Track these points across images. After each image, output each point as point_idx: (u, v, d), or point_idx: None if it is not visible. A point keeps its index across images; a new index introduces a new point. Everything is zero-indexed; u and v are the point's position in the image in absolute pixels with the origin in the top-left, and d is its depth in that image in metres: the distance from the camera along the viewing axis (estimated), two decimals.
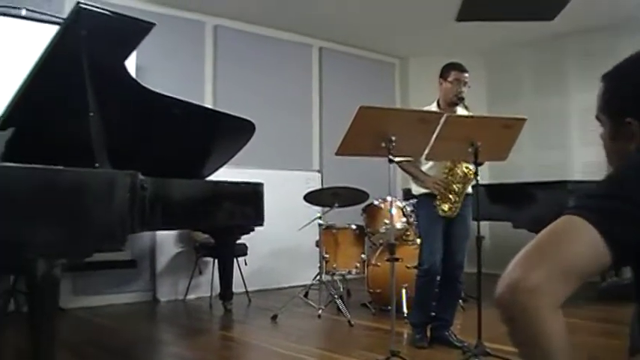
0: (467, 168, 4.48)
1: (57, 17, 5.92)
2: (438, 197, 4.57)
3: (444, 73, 4.69)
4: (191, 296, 7.15)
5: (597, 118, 1.56)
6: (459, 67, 4.65)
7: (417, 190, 4.79)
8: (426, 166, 4.67)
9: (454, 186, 4.54)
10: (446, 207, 4.56)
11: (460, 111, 4.62)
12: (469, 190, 4.61)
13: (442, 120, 3.93)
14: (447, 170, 4.56)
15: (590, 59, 8.21)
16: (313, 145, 8.98)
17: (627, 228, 1.22)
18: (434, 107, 4.71)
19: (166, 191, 4.52)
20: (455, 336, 4.68)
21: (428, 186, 4.60)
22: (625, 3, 7.40)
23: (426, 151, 4.07)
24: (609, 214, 1.24)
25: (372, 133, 3.83)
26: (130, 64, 4.80)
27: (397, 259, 4.11)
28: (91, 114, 3.80)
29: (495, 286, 1.24)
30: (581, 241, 1.21)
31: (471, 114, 4.46)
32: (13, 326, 5.23)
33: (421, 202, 4.78)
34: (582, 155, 8.45)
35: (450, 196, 4.55)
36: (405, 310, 5.63)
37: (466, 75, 4.62)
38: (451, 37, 8.77)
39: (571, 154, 8.71)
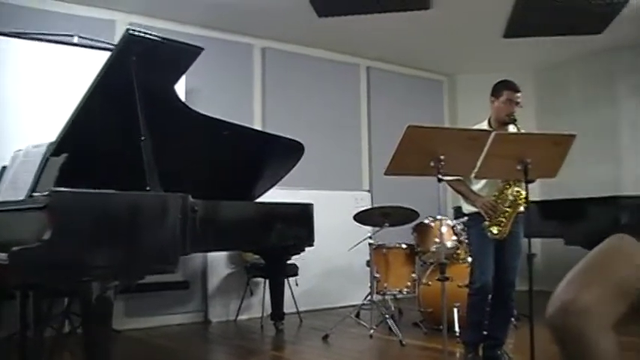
0: (517, 192, 4.38)
1: (108, 44, 6.05)
2: (487, 220, 4.47)
3: (496, 92, 4.59)
4: (242, 317, 7.16)
5: None
6: (511, 87, 4.53)
7: (467, 208, 4.73)
8: (477, 186, 4.60)
9: (503, 209, 4.44)
10: (495, 230, 4.44)
11: (511, 129, 4.50)
12: (520, 207, 4.51)
13: (491, 137, 3.88)
14: (497, 193, 4.47)
15: None
16: (362, 164, 8.95)
17: None
18: (485, 126, 4.61)
19: (217, 213, 4.57)
20: (507, 355, 4.60)
21: (477, 206, 4.52)
22: None
23: (475, 170, 4.02)
24: None
25: (420, 152, 3.79)
26: (180, 87, 4.88)
27: (448, 278, 4.07)
28: (143, 138, 3.87)
29: (547, 305, 1.22)
30: (632, 259, 1.19)
31: (520, 131, 4.38)
32: (69, 347, 5.31)
33: (472, 220, 4.70)
34: (634, 168, 8.30)
35: (500, 219, 4.45)
36: (457, 329, 5.57)
37: (519, 95, 4.51)
38: (499, 53, 8.70)
39: (622, 168, 8.52)
